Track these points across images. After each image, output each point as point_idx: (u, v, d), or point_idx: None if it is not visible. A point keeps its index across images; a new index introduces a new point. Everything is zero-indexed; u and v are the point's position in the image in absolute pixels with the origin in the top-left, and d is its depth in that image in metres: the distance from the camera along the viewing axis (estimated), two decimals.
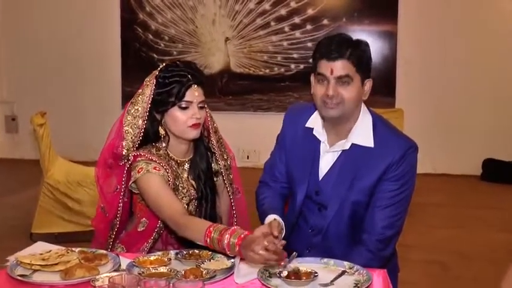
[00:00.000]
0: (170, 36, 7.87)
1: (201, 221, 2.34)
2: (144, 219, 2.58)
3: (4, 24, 8.28)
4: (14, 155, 8.38)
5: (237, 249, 2.08)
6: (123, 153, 2.55)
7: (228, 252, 2.13)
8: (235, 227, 2.16)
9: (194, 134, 2.55)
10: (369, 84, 2.42)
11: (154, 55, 7.83)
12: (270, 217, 2.43)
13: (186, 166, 2.66)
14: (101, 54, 8.09)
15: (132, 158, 2.54)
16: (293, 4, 7.50)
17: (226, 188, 2.72)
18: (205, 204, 2.68)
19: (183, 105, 2.51)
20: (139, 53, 7.89)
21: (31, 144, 7.51)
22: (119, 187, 2.60)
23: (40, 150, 4.84)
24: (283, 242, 2.12)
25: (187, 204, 2.61)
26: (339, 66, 2.32)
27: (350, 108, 2.37)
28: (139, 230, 2.59)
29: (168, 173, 2.51)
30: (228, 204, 2.77)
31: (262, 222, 2.48)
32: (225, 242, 2.11)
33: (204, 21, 7.79)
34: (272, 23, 7.60)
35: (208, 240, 2.17)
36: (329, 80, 2.33)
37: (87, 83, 8.17)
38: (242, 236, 2.09)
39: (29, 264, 2.12)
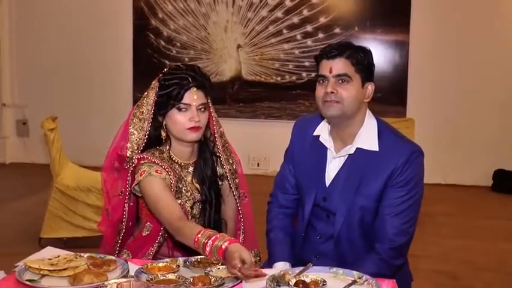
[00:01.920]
0: (182, 43, 7.89)
1: (194, 226, 2.33)
2: (148, 223, 2.60)
3: (16, 29, 8.34)
4: (25, 159, 8.42)
5: (220, 256, 2.11)
6: (128, 154, 2.58)
7: (212, 259, 2.17)
8: (220, 234, 2.18)
9: (193, 136, 2.57)
10: (370, 87, 2.46)
11: (166, 61, 7.84)
12: (278, 266, 2.47)
13: (190, 169, 2.67)
14: (113, 59, 8.12)
15: (136, 161, 2.56)
16: (305, 12, 7.50)
17: (232, 192, 2.72)
18: (209, 208, 2.68)
19: (181, 108, 2.53)
20: (151, 59, 7.91)
21: (42, 149, 7.54)
22: (123, 191, 2.62)
23: (50, 154, 4.86)
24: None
25: (191, 208, 2.62)
26: (338, 65, 2.38)
27: (350, 108, 2.39)
28: (144, 234, 2.61)
29: (170, 175, 2.53)
30: (234, 208, 2.76)
31: (270, 251, 2.60)
32: (207, 250, 2.15)
33: (216, 28, 7.81)
34: (284, 31, 7.60)
35: (196, 246, 2.19)
36: (329, 79, 2.39)
37: (98, 88, 8.20)
38: (225, 246, 2.10)
39: (37, 269, 2.12)
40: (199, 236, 2.18)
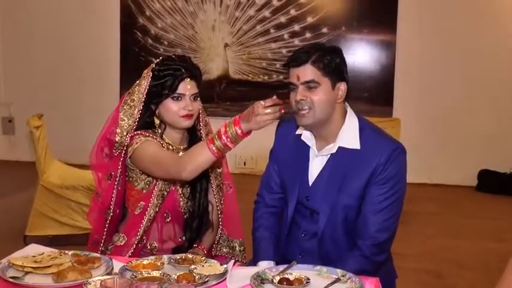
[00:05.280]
0: (169, 41, 7.89)
1: (197, 145, 2.49)
2: (141, 202, 2.67)
3: (2, 26, 8.30)
4: (10, 157, 8.37)
5: (239, 132, 2.29)
6: (116, 139, 2.67)
7: (232, 145, 2.32)
8: (224, 123, 2.33)
9: (186, 123, 2.68)
10: (343, 87, 2.46)
11: (153, 59, 7.77)
12: (262, 265, 2.49)
13: (181, 154, 2.72)
14: (100, 57, 8.10)
15: (128, 140, 2.65)
16: (293, 12, 7.51)
17: (210, 181, 2.80)
18: (199, 191, 2.77)
19: (176, 97, 2.63)
20: (139, 57, 7.89)
21: (27, 146, 7.50)
22: (113, 174, 2.70)
23: (36, 152, 4.85)
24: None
25: (181, 188, 2.73)
26: (304, 72, 2.40)
27: (321, 112, 2.41)
28: (136, 213, 2.68)
29: (164, 147, 2.64)
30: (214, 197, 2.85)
31: (255, 250, 2.63)
32: (223, 137, 2.30)
33: (203, 27, 7.81)
34: (272, 30, 7.60)
35: (214, 148, 2.33)
36: (297, 87, 2.41)
37: (85, 86, 8.18)
38: (237, 118, 2.30)
39: (21, 266, 2.12)
40: (210, 140, 2.35)
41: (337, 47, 2.51)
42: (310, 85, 2.39)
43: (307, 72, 2.39)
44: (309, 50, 2.44)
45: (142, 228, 2.63)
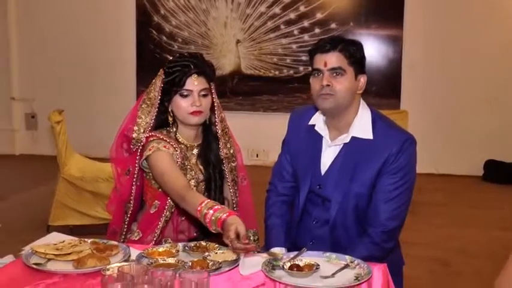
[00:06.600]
0: (183, 38, 8.02)
1: (197, 196, 2.46)
2: (156, 201, 2.71)
3: (23, 24, 8.46)
4: (34, 151, 8.55)
5: (219, 227, 2.23)
6: (133, 136, 2.71)
7: (211, 229, 2.27)
8: (221, 206, 2.31)
9: (195, 120, 2.70)
10: (363, 79, 2.54)
11: (168, 56, 7.92)
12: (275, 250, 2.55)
13: (195, 151, 2.79)
14: (117, 55, 8.25)
15: (144, 139, 2.69)
16: (302, 8, 7.63)
17: (225, 175, 2.84)
18: (214, 188, 2.80)
19: (184, 93, 2.67)
20: (154, 54, 8.05)
21: (49, 141, 7.66)
22: (131, 170, 2.74)
23: (57, 146, 4.96)
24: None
25: (196, 187, 2.74)
26: (332, 58, 2.46)
27: (343, 99, 2.47)
28: (152, 212, 2.71)
29: (177, 151, 2.66)
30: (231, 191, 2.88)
31: (267, 237, 2.69)
32: (208, 219, 2.26)
33: (216, 24, 7.93)
34: (282, 26, 7.72)
35: (199, 215, 2.31)
36: (323, 72, 2.47)
37: (103, 82, 8.34)
38: (224, 217, 2.22)
39: (43, 253, 2.19)
40: (202, 205, 2.30)
41: (359, 41, 2.58)
42: (337, 72, 2.45)
43: (335, 59, 2.45)
44: (336, 38, 2.52)
45: (159, 229, 2.66)
